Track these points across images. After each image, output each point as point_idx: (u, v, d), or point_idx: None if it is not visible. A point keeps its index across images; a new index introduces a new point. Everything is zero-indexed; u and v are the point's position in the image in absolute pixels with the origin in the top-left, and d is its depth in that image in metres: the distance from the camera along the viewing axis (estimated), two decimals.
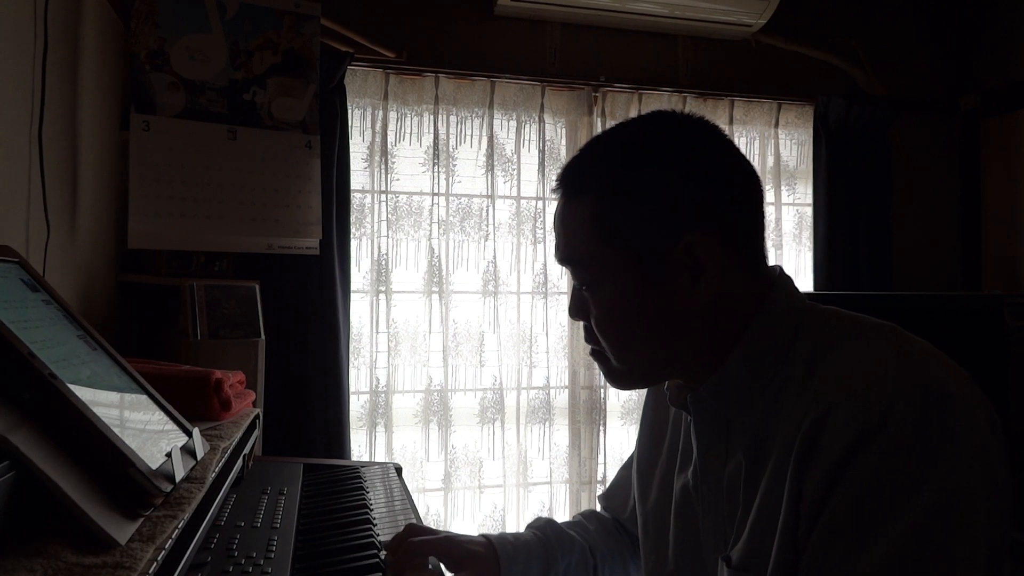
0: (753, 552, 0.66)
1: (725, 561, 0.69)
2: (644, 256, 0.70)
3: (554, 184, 0.78)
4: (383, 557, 0.89)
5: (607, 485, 1.08)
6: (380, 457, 2.08)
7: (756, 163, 2.45)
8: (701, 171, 0.70)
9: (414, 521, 1.03)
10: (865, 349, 0.64)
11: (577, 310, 0.77)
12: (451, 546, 0.88)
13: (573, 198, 0.74)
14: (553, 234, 0.79)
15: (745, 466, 0.69)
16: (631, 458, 0.98)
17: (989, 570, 0.57)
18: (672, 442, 0.84)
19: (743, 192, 0.72)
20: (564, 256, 0.76)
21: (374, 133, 2.13)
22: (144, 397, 0.87)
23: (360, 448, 2.08)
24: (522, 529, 0.99)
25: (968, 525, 0.56)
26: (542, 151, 2.25)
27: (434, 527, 0.97)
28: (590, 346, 0.78)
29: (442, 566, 0.88)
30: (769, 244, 2.43)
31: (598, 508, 1.09)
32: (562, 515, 2.22)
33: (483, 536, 0.92)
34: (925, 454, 0.56)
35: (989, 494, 0.57)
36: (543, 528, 0.97)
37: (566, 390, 2.29)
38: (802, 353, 0.67)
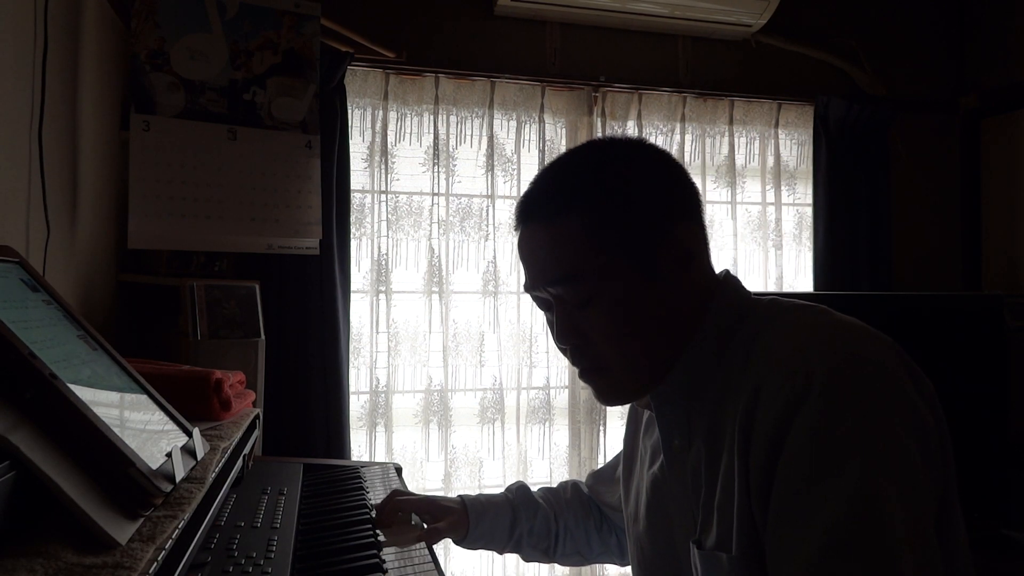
0: (721, 532, 0.68)
1: (696, 545, 0.71)
2: (641, 255, 0.73)
3: (515, 220, 0.79)
4: (372, 515, 1.03)
5: (598, 468, 1.14)
6: (380, 457, 2.08)
7: (756, 163, 2.46)
8: (669, 170, 0.77)
9: (415, 521, 1.04)
10: (792, 326, 0.69)
11: (569, 333, 0.76)
12: (430, 504, 1.04)
13: (552, 222, 0.74)
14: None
15: (705, 451, 0.72)
16: (619, 454, 1.01)
17: (938, 517, 0.59)
18: (644, 443, 0.88)
19: (694, 187, 0.80)
20: (553, 279, 0.75)
21: (374, 133, 2.13)
22: (144, 397, 0.87)
23: (360, 448, 2.08)
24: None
25: (905, 473, 0.58)
26: (542, 151, 2.25)
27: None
28: (579, 367, 0.78)
29: (423, 523, 1.02)
30: (769, 244, 2.45)
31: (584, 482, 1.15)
32: None
33: (459, 496, 1.07)
34: (850, 413, 0.59)
35: (920, 439, 0.60)
36: (515, 492, 1.09)
37: (566, 390, 2.29)
38: (745, 337, 0.72)
